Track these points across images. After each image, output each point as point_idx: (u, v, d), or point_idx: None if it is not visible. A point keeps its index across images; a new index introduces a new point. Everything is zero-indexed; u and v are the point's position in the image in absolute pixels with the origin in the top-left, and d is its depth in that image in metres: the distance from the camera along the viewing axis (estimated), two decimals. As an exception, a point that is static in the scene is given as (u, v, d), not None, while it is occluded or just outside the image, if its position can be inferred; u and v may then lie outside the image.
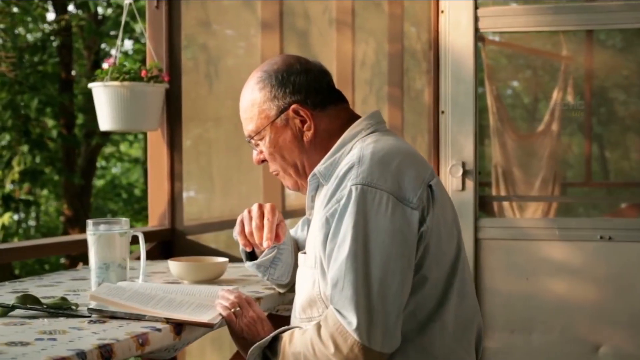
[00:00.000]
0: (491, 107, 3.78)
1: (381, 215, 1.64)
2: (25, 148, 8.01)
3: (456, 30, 3.01)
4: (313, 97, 1.85)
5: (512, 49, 5.08)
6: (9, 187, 7.86)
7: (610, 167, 6.57)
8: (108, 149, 11.68)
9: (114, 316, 1.79)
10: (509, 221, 3.51)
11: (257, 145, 1.92)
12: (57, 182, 9.20)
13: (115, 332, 1.66)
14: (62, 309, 1.85)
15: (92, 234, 2.11)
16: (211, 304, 1.90)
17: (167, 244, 3.26)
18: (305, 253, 1.87)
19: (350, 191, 1.67)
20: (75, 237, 3.94)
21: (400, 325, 1.65)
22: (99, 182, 12.05)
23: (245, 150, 4.27)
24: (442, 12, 3.02)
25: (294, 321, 1.89)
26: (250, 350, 1.78)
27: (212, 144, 3.93)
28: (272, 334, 1.79)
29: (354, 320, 1.60)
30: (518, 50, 5.16)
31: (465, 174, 3.06)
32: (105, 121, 3.07)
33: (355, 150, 1.77)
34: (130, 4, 3.15)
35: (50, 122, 9.44)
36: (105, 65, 3.07)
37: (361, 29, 5.25)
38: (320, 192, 1.84)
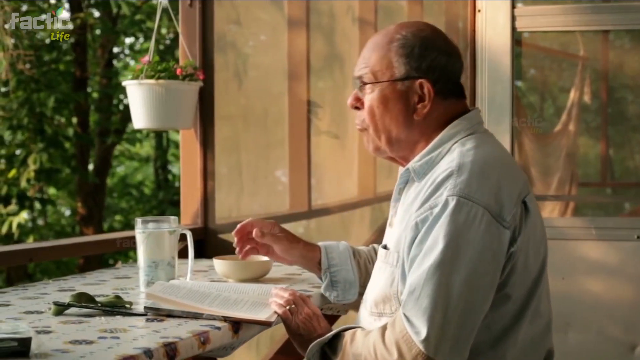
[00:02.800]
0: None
1: (474, 230, 1.60)
2: (39, 146, 8.00)
3: (493, 29, 3.00)
4: (443, 82, 1.77)
5: (529, 49, 5.07)
6: (24, 184, 7.84)
7: (621, 166, 6.56)
8: (119, 148, 11.66)
9: (170, 314, 1.79)
10: (545, 221, 3.48)
11: (362, 89, 1.81)
12: (71, 180, 9.19)
13: (176, 331, 1.66)
14: (116, 307, 1.84)
15: (142, 232, 2.10)
16: (265, 301, 1.90)
17: (200, 242, 3.25)
18: (385, 247, 1.82)
19: (446, 201, 1.62)
20: (101, 236, 3.93)
21: (471, 342, 1.62)
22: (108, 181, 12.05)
23: (272, 149, 4.28)
24: (479, 11, 3.01)
25: (363, 313, 1.85)
26: (310, 346, 1.77)
27: (241, 142, 3.93)
28: (333, 332, 1.78)
29: (423, 330, 1.57)
30: (550, 53, 5.15)
31: (501, 173, 3.05)
32: (140, 119, 3.07)
33: (454, 154, 1.71)
34: (165, 3, 3.15)
35: (64, 120, 9.44)
36: (140, 63, 3.07)
37: (383, 28, 5.24)
38: (409, 188, 1.79)
